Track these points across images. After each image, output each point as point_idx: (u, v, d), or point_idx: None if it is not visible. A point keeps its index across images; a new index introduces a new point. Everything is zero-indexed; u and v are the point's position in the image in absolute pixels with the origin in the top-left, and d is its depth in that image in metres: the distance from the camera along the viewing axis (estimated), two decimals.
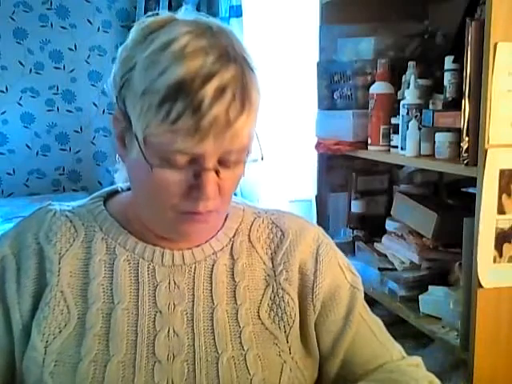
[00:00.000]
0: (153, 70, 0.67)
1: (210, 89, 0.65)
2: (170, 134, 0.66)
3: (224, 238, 0.83)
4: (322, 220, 2.06)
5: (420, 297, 1.49)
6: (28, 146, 3.87)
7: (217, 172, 0.69)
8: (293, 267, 0.82)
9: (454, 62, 1.36)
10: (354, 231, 1.95)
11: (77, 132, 3.96)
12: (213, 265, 0.81)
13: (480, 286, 1.24)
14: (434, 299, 1.46)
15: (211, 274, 0.80)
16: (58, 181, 3.94)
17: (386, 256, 1.71)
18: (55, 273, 0.77)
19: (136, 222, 0.80)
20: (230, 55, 0.68)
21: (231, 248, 0.83)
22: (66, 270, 0.78)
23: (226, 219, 0.85)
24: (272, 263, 0.83)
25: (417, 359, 0.87)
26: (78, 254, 0.79)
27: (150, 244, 0.80)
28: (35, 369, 0.74)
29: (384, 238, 1.73)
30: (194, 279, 0.79)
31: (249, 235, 0.84)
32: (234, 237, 0.83)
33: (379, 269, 1.68)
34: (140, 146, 0.69)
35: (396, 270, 1.63)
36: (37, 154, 3.89)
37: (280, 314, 0.80)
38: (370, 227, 1.89)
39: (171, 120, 0.65)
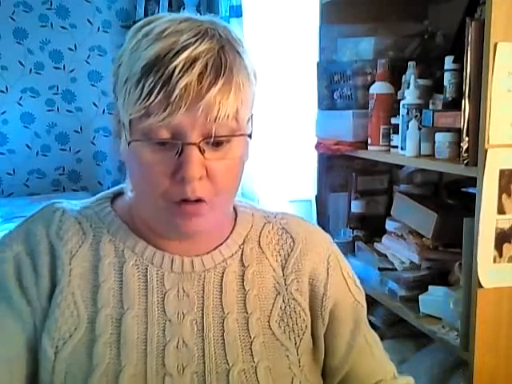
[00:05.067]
0: (133, 57, 0.68)
1: (180, 60, 0.65)
2: (145, 110, 0.66)
3: (233, 244, 0.80)
4: (322, 220, 2.06)
5: (420, 297, 1.49)
6: (28, 146, 3.87)
7: (200, 149, 0.67)
8: (303, 277, 0.80)
9: (454, 62, 1.36)
10: (354, 231, 1.95)
11: (77, 132, 3.96)
12: (223, 272, 0.78)
13: (480, 285, 1.24)
14: (434, 299, 1.46)
15: (221, 282, 0.78)
16: (58, 181, 3.94)
17: (386, 256, 1.71)
18: (66, 273, 0.75)
19: (142, 224, 0.78)
20: (209, 34, 0.68)
21: (241, 255, 0.80)
22: (77, 271, 0.75)
23: (234, 225, 0.82)
24: (282, 271, 0.80)
25: (408, 380, 0.85)
26: (87, 256, 0.77)
27: (159, 249, 0.77)
28: (46, 377, 0.72)
29: (384, 238, 1.73)
30: (203, 287, 0.77)
31: (259, 241, 0.82)
32: (243, 243, 0.81)
33: (379, 269, 1.68)
34: (125, 131, 0.69)
35: (396, 269, 1.63)
36: (37, 154, 3.89)
37: (291, 325, 0.78)
38: (370, 227, 1.89)
39: (144, 96, 0.65)
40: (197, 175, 0.67)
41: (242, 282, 0.79)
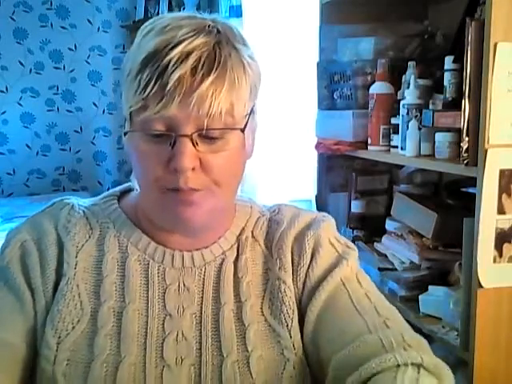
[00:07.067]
0: (136, 52, 0.71)
1: (175, 53, 0.66)
2: (143, 103, 0.68)
3: (232, 236, 0.83)
4: None
5: (420, 297, 1.49)
6: (28, 146, 3.88)
7: (192, 141, 0.68)
8: (286, 253, 0.81)
9: (454, 62, 1.36)
10: (354, 231, 1.95)
11: (77, 132, 3.96)
12: (221, 264, 0.80)
13: (480, 285, 1.24)
14: (434, 299, 1.46)
15: (219, 274, 0.79)
16: (58, 181, 3.95)
17: (386, 256, 1.71)
18: (72, 265, 0.77)
19: (145, 219, 0.80)
20: (206, 29, 0.70)
21: (238, 245, 0.82)
22: (82, 265, 0.78)
23: (235, 218, 0.84)
24: (271, 255, 0.82)
25: (416, 356, 0.65)
26: (92, 251, 0.79)
27: (161, 245, 0.79)
28: (47, 367, 0.74)
29: (384, 238, 1.73)
30: (203, 281, 0.79)
31: (252, 231, 0.84)
32: (240, 234, 0.83)
33: (379, 269, 1.68)
34: (126, 123, 0.72)
35: (396, 269, 1.63)
36: (37, 154, 3.90)
37: (280, 307, 0.78)
38: (370, 227, 1.89)
39: (141, 88, 0.67)
40: (189, 166, 0.68)
41: (236, 270, 0.80)
